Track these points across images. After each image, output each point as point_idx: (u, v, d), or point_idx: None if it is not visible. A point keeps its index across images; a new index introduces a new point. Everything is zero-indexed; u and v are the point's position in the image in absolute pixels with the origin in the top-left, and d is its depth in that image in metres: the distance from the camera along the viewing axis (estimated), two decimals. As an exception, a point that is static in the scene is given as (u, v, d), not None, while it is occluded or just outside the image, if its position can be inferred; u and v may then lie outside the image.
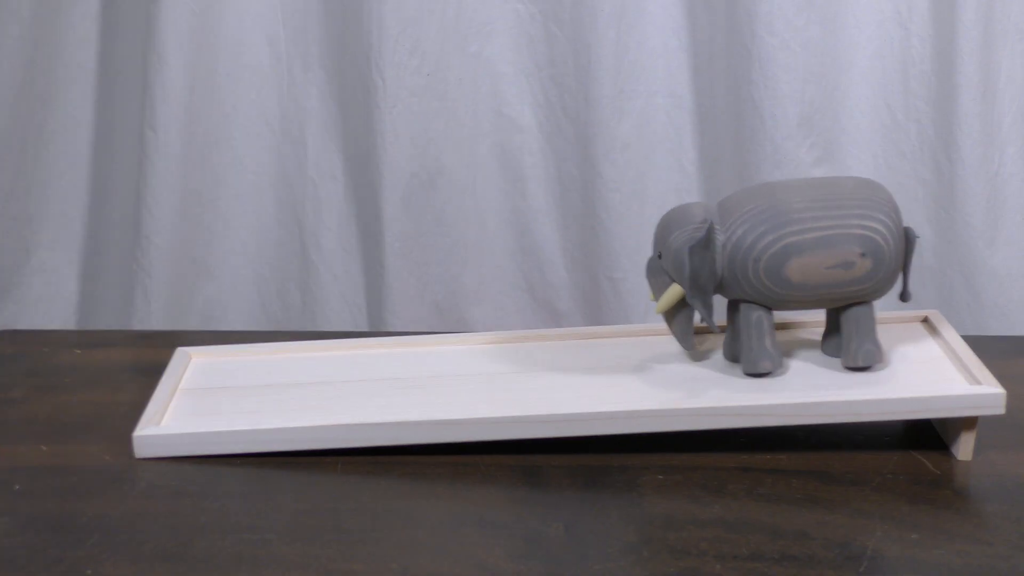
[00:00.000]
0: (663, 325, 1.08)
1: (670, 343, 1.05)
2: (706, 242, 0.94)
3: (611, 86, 1.35)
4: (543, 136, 1.40)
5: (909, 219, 1.36)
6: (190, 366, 1.06)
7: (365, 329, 1.43)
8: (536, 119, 1.40)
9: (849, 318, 0.97)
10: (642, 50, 1.36)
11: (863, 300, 0.96)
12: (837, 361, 0.99)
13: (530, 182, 1.41)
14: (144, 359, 1.15)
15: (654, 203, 1.40)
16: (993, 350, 1.06)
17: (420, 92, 1.36)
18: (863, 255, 0.94)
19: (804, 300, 0.96)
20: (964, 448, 0.92)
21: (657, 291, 0.98)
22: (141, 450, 0.94)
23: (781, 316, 1.05)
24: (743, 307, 0.97)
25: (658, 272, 0.98)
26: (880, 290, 0.96)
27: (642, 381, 0.98)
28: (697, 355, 1.02)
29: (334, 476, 0.91)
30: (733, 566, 0.79)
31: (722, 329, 1.02)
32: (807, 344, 1.03)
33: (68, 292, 1.43)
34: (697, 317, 1.03)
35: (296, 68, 1.40)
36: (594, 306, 1.43)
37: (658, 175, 1.39)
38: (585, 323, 1.44)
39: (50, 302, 1.43)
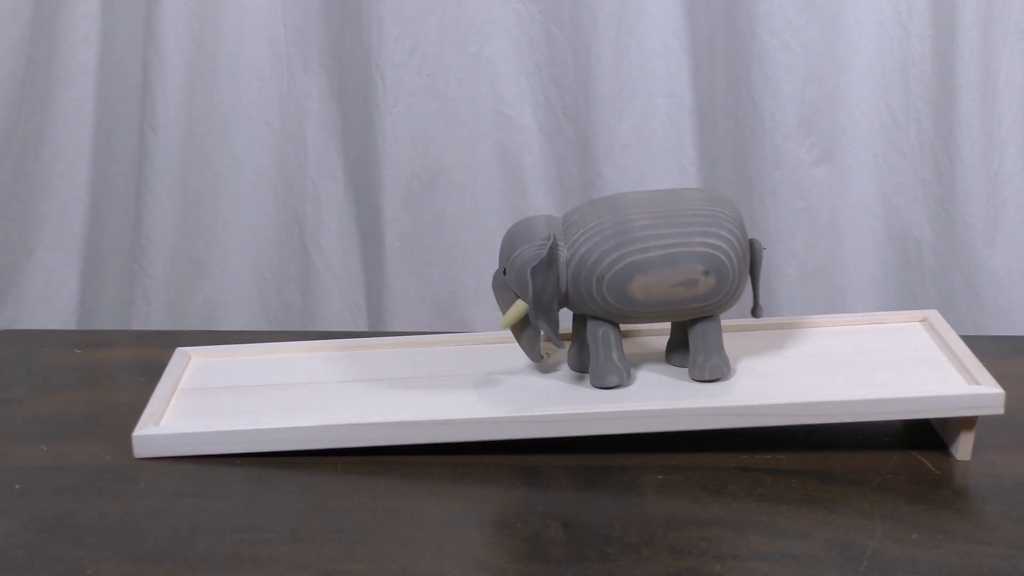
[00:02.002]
0: (663, 326, 1.08)
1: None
2: (549, 262, 0.94)
3: (611, 86, 1.35)
4: (543, 136, 1.40)
5: (909, 219, 1.36)
6: (190, 366, 1.06)
7: (365, 329, 1.43)
8: (536, 119, 1.40)
9: (696, 332, 0.96)
10: (642, 50, 1.36)
11: (710, 315, 0.96)
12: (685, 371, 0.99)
13: (530, 182, 1.41)
14: (144, 359, 1.15)
15: (654, 203, 1.40)
16: (993, 350, 1.06)
17: (420, 92, 1.36)
18: (706, 273, 0.94)
19: (649, 316, 0.96)
20: (963, 448, 0.92)
21: (503, 306, 0.98)
22: (140, 450, 0.94)
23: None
24: (589, 323, 0.96)
25: (503, 287, 0.97)
26: (726, 305, 0.96)
27: (642, 381, 0.98)
28: (546, 367, 1.02)
29: (334, 476, 0.91)
30: (733, 566, 0.79)
31: (565, 337, 1.01)
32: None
33: (68, 292, 1.43)
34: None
35: (296, 68, 1.40)
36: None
37: (658, 175, 1.39)
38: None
39: (50, 302, 1.43)
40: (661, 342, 1.03)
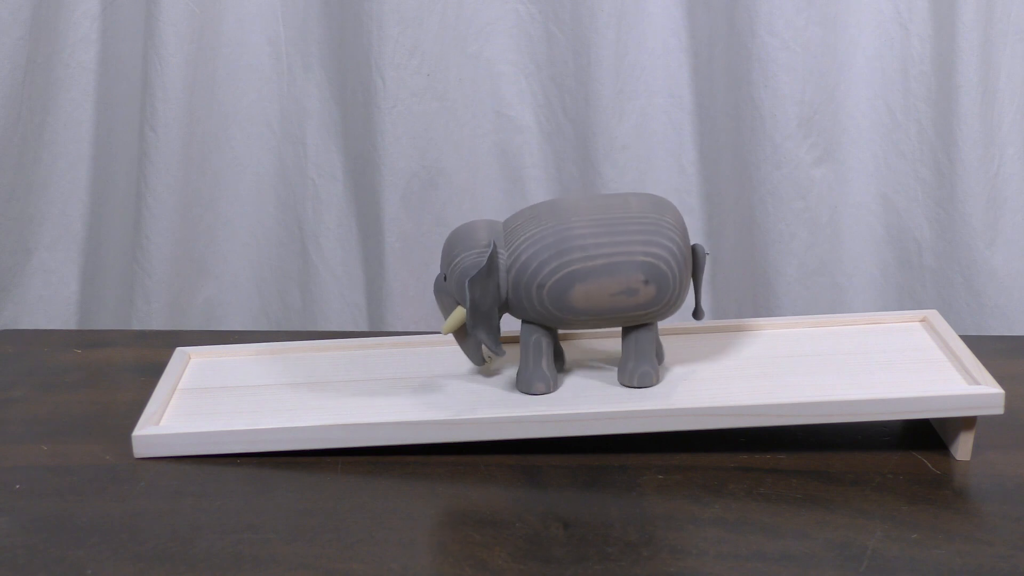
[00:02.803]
0: (663, 325, 1.08)
1: (669, 344, 1.05)
2: (488, 271, 0.93)
3: (611, 86, 1.35)
4: (543, 136, 1.40)
5: (909, 219, 1.36)
6: (189, 366, 1.06)
7: (365, 329, 1.43)
8: (536, 119, 1.40)
9: (630, 339, 0.96)
10: (642, 50, 1.36)
11: (648, 322, 0.96)
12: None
13: (530, 182, 1.41)
14: (144, 359, 1.15)
15: (654, 203, 1.40)
16: (993, 350, 1.06)
17: (420, 92, 1.36)
18: (646, 282, 0.93)
19: (589, 324, 0.95)
20: (963, 448, 0.92)
21: (444, 311, 0.97)
22: (140, 450, 0.94)
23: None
24: (523, 327, 0.96)
25: (444, 293, 0.97)
26: (666, 313, 0.96)
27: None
28: (488, 371, 1.02)
29: (334, 476, 0.91)
30: (733, 566, 0.79)
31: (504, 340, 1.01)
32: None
33: (68, 292, 1.43)
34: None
35: (296, 68, 1.40)
36: (594, 306, 1.43)
37: (658, 175, 1.40)
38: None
39: (50, 302, 1.43)
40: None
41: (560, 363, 1.00)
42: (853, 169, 1.36)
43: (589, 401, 0.95)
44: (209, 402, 0.99)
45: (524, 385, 0.97)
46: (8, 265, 1.42)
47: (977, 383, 0.92)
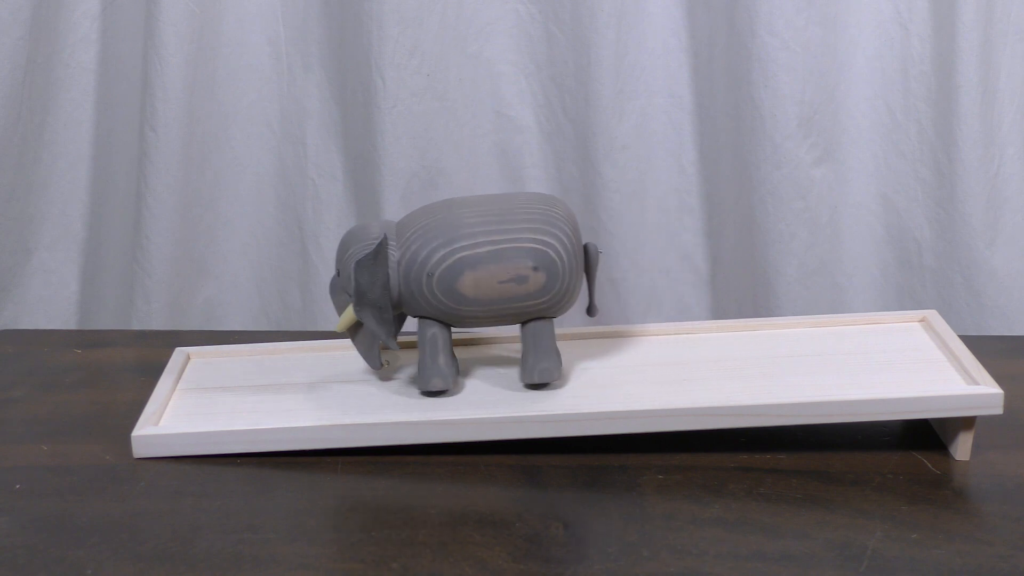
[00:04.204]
0: (662, 326, 1.08)
1: (669, 344, 1.05)
2: (374, 256, 0.94)
3: (611, 86, 1.35)
4: (543, 136, 1.40)
5: (909, 219, 1.36)
6: (189, 366, 1.06)
7: (365, 329, 1.43)
8: (536, 119, 1.40)
9: (527, 333, 0.96)
10: (642, 50, 1.36)
11: (543, 316, 0.96)
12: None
13: (530, 182, 1.41)
14: (144, 359, 1.15)
15: (654, 203, 1.40)
16: (992, 350, 1.06)
17: (420, 92, 1.36)
18: (535, 269, 0.94)
19: (482, 316, 0.95)
20: (962, 448, 0.92)
21: (340, 310, 0.98)
22: (139, 450, 0.94)
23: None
24: (420, 323, 0.96)
25: (338, 291, 0.97)
26: (559, 306, 0.96)
27: (642, 381, 0.98)
28: (384, 374, 1.02)
29: (334, 476, 0.92)
30: (733, 566, 0.79)
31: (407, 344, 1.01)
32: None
33: (68, 292, 1.43)
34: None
35: (296, 68, 1.40)
36: (594, 306, 1.43)
37: (658, 175, 1.39)
38: (586, 323, 1.44)
39: (50, 302, 1.43)
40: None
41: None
42: (853, 169, 1.36)
43: (590, 401, 0.95)
44: (209, 402, 0.99)
45: (422, 382, 0.97)
46: (8, 265, 1.42)
47: (976, 383, 0.92)
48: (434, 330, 0.96)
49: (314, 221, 1.42)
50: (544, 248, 0.94)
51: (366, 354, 0.99)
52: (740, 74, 1.32)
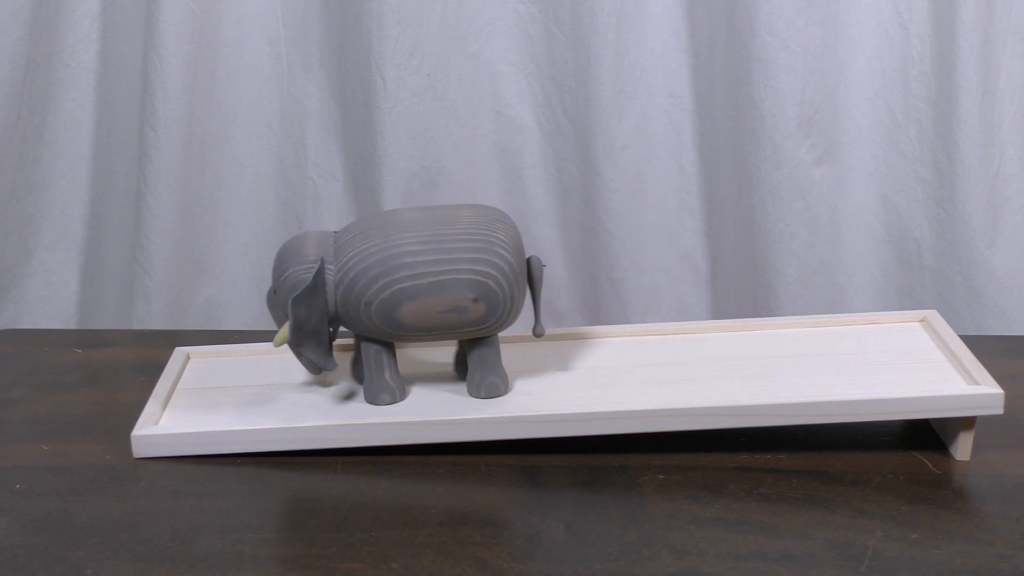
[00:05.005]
0: (662, 326, 1.08)
1: (669, 344, 1.05)
2: (313, 288, 0.93)
3: (611, 86, 1.35)
4: (543, 136, 1.40)
5: (909, 219, 1.36)
6: (189, 366, 1.06)
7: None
8: (536, 119, 1.40)
9: (473, 351, 0.96)
10: (642, 50, 1.36)
11: (486, 336, 0.96)
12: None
13: (530, 182, 1.41)
14: (144, 359, 1.15)
15: (654, 203, 1.40)
16: (993, 350, 1.06)
17: (420, 92, 1.36)
18: (475, 300, 0.93)
19: (422, 339, 0.95)
20: (962, 448, 0.92)
21: (277, 322, 0.97)
22: (139, 450, 0.94)
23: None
24: (363, 343, 0.96)
25: (275, 305, 0.97)
26: (501, 326, 0.96)
27: (642, 381, 0.98)
28: (326, 380, 1.01)
29: (334, 476, 0.92)
30: (733, 566, 0.79)
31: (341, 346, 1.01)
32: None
33: (68, 292, 1.43)
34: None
35: (296, 68, 1.40)
36: (594, 306, 1.43)
37: (658, 175, 1.40)
38: (585, 323, 1.44)
39: (50, 302, 1.43)
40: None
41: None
42: (853, 169, 1.36)
43: (594, 401, 0.95)
44: (209, 402, 0.99)
45: (370, 397, 0.97)
46: (8, 265, 1.42)
47: (976, 383, 0.92)
48: (377, 348, 0.96)
49: (314, 221, 1.42)
50: (484, 279, 0.93)
51: (306, 363, 0.98)
52: (740, 74, 1.32)
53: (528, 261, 0.96)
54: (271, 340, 1.11)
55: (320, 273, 0.93)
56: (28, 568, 0.80)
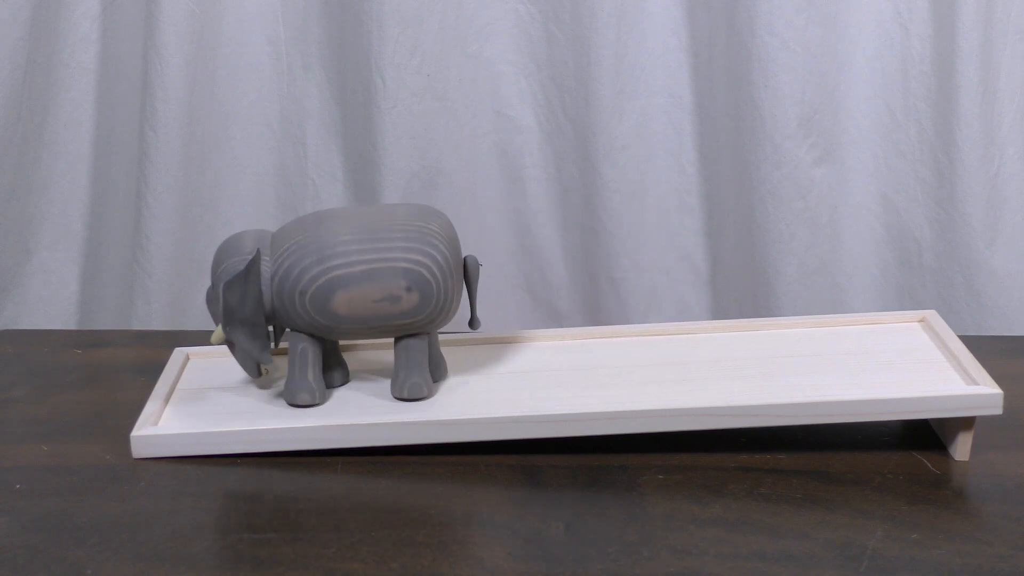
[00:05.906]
0: (662, 326, 1.08)
1: (669, 344, 1.05)
2: (245, 275, 0.93)
3: (611, 86, 1.35)
4: (543, 136, 1.40)
5: (909, 219, 1.36)
6: (188, 366, 1.06)
7: (365, 329, 1.43)
8: (536, 119, 1.40)
9: (400, 348, 0.96)
10: (642, 50, 1.36)
11: (419, 332, 0.96)
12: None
13: (530, 182, 1.41)
14: (144, 359, 1.15)
15: (654, 203, 1.40)
16: (992, 350, 1.06)
17: (420, 92, 1.36)
18: (408, 289, 0.93)
19: (356, 332, 0.95)
20: (961, 448, 0.92)
21: (215, 320, 0.97)
22: (138, 450, 0.94)
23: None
24: (291, 337, 0.96)
25: (214, 302, 0.97)
26: (436, 322, 0.95)
27: (642, 381, 0.98)
28: (264, 382, 1.01)
29: (334, 476, 0.92)
30: (733, 566, 0.79)
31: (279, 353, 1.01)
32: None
33: (68, 292, 1.43)
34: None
35: (296, 68, 1.40)
36: (594, 306, 1.43)
37: (658, 175, 1.40)
38: (585, 323, 1.44)
39: (50, 302, 1.43)
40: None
41: (343, 373, 1.00)
42: (853, 169, 1.36)
43: (589, 403, 0.95)
44: (208, 402, 0.99)
45: (288, 395, 0.96)
46: (8, 265, 1.42)
47: (976, 383, 0.92)
48: (304, 344, 0.96)
49: (314, 221, 1.42)
50: (417, 268, 0.93)
51: (243, 363, 0.98)
52: (740, 74, 1.32)
53: (464, 260, 0.97)
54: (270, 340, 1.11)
55: (255, 262, 0.93)
56: (28, 568, 0.80)
